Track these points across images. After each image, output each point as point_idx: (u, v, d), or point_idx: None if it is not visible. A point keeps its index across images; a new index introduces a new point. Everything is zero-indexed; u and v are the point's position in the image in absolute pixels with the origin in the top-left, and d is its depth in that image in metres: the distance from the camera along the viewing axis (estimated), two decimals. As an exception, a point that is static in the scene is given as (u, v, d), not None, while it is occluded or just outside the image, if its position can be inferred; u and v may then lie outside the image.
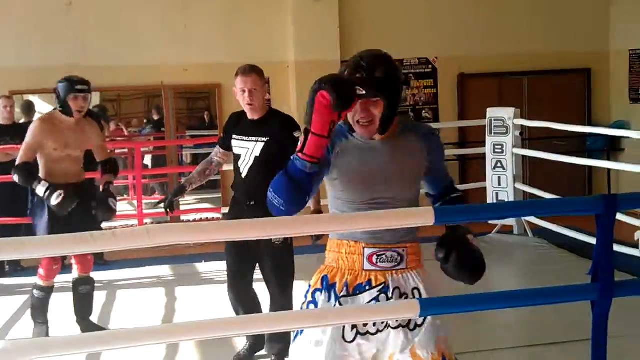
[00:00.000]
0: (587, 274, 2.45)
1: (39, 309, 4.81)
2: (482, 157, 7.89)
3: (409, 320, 2.38)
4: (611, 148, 9.45)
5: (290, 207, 2.25)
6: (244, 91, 4.05)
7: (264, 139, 4.06)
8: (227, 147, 4.26)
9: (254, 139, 4.09)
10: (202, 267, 6.87)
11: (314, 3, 8.67)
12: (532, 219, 7.29)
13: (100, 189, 4.91)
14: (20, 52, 8.41)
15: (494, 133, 7.65)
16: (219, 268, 6.60)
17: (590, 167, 9.05)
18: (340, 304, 2.38)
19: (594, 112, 9.75)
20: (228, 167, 4.62)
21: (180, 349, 4.58)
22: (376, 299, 2.38)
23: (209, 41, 8.76)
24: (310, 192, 2.28)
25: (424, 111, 9.38)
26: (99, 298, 5.48)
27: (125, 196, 9.79)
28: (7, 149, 6.64)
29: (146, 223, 7.63)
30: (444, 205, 2.55)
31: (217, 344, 4.39)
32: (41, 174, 4.70)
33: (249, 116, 4.15)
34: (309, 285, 2.48)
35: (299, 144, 2.21)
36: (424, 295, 2.41)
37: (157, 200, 4.48)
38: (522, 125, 7.68)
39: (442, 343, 2.42)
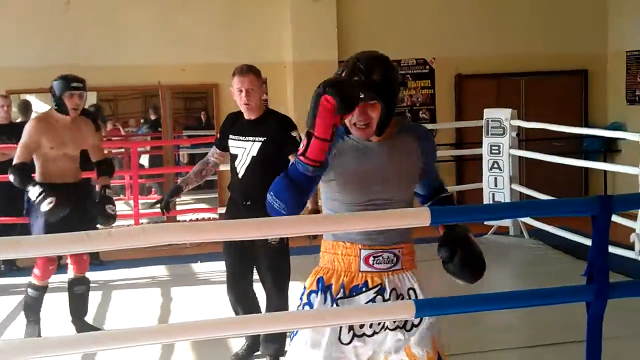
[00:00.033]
0: (582, 275, 2.45)
1: (32, 308, 4.81)
2: (479, 158, 7.90)
3: (406, 321, 2.38)
4: (608, 149, 9.47)
5: (291, 210, 2.24)
6: (241, 91, 4.06)
7: (261, 139, 4.06)
8: (224, 148, 4.26)
9: (251, 138, 4.09)
10: (198, 267, 6.86)
11: (312, 3, 8.67)
12: (529, 220, 7.30)
13: (98, 195, 4.89)
14: (17, 52, 8.40)
15: (491, 134, 7.66)
16: (215, 268, 6.61)
17: (586, 169, 9.06)
18: (337, 306, 2.38)
19: (590, 113, 9.77)
20: (224, 167, 4.62)
21: (176, 349, 4.57)
22: (372, 300, 2.38)
23: (206, 41, 8.76)
24: (310, 194, 2.28)
25: (421, 112, 9.39)
26: (94, 298, 5.48)
27: (122, 196, 9.78)
28: (4, 148, 6.64)
29: (142, 223, 7.62)
30: (435, 205, 2.57)
31: (213, 345, 4.39)
32: (38, 174, 4.70)
33: (246, 116, 4.15)
34: (304, 287, 2.47)
35: (301, 147, 2.20)
36: (420, 295, 2.42)
37: (154, 200, 4.48)
38: (519, 126, 7.69)
39: (436, 341, 2.43)
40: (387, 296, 2.38)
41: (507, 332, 4.76)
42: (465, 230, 2.44)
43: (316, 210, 3.93)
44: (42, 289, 4.80)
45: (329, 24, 8.76)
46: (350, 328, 2.37)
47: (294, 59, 8.72)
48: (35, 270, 4.75)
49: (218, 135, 4.39)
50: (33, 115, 7.27)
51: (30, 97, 8.30)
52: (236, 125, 4.19)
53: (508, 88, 9.44)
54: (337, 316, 2.33)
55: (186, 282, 6.36)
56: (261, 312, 4.22)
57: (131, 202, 7.97)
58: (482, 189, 7.81)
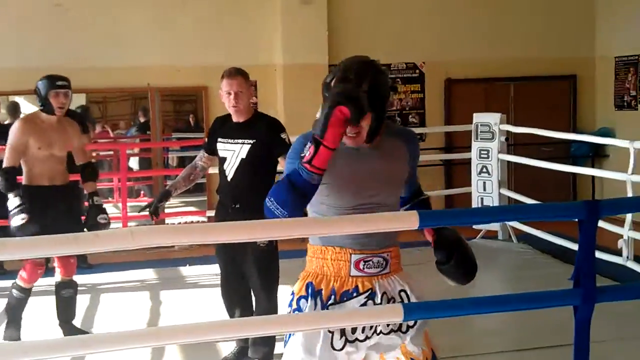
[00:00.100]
0: (569, 280, 2.47)
1: (15, 310, 4.78)
2: (468, 162, 7.92)
3: (400, 324, 2.39)
4: (596, 154, 9.51)
5: (292, 216, 2.25)
6: (229, 94, 4.06)
7: (251, 141, 4.07)
8: (212, 151, 4.26)
9: (240, 141, 4.09)
10: (187, 270, 6.84)
11: (303, 6, 8.67)
12: (517, 225, 7.32)
13: (89, 205, 4.88)
14: (5, 53, 8.35)
15: (480, 138, 7.68)
16: (203, 272, 6.60)
17: (575, 174, 9.10)
18: None
19: (579, 118, 9.81)
20: (213, 170, 4.61)
21: (165, 353, 4.55)
22: (364, 305, 2.38)
23: (196, 43, 8.74)
24: (309, 200, 2.29)
25: (410, 116, 9.40)
26: (82, 301, 5.45)
27: (110, 199, 9.75)
28: (-8, 149, 6.59)
29: (130, 226, 7.60)
30: (413, 208, 2.59)
31: (202, 348, 4.38)
32: (25, 176, 4.68)
33: (234, 119, 4.16)
34: (292, 293, 2.45)
35: (307, 155, 2.19)
36: (412, 296, 2.43)
37: (144, 204, 4.48)
38: (507, 131, 7.72)
39: (428, 337, 2.46)
40: (378, 300, 2.39)
41: (496, 336, 4.77)
42: (455, 232, 2.47)
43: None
44: (28, 291, 4.78)
45: (319, 27, 8.76)
46: (343, 334, 2.36)
47: (284, 61, 8.72)
48: (22, 273, 4.73)
49: (206, 139, 4.39)
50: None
51: (19, 99, 8.26)
52: (224, 128, 4.19)
53: (497, 93, 9.47)
54: (326, 320, 2.33)
55: (175, 286, 6.34)
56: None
57: (120, 204, 7.95)
58: (470, 193, 7.82)
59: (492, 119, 7.61)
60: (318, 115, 2.24)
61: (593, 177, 8.93)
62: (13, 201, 4.49)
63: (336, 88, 2.23)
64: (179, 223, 8.19)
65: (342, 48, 8.66)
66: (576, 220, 2.38)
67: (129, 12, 8.63)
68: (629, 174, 5.78)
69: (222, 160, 4.17)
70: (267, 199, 2.25)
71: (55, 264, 4.89)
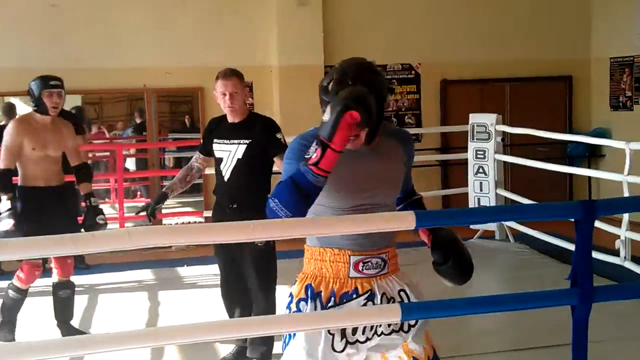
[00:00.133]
0: (566, 279, 2.47)
1: (10, 310, 4.77)
2: (464, 162, 7.93)
3: (402, 323, 2.39)
4: (592, 154, 9.53)
5: (296, 217, 2.25)
6: (224, 94, 4.08)
7: (247, 141, 4.08)
8: (208, 153, 4.28)
9: (235, 141, 4.10)
10: (184, 271, 6.84)
11: (298, 8, 8.67)
12: (514, 225, 7.34)
13: (85, 205, 4.88)
14: (0, 54, 8.34)
15: (476, 139, 7.69)
16: (201, 272, 6.60)
17: (571, 174, 9.11)
18: None
19: (575, 118, 9.83)
20: (210, 171, 4.62)
21: (164, 353, 4.55)
22: (364, 306, 2.38)
23: (191, 45, 8.74)
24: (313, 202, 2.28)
25: (406, 117, 9.41)
26: (80, 302, 5.45)
27: (107, 199, 9.73)
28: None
29: (127, 227, 7.59)
30: (407, 208, 2.61)
31: (201, 348, 4.38)
32: (21, 177, 4.67)
33: (230, 119, 4.17)
34: (291, 295, 2.45)
35: (314, 157, 2.18)
36: (411, 296, 2.44)
37: (141, 204, 4.49)
38: (504, 132, 7.73)
39: (429, 336, 2.47)
40: (377, 301, 2.39)
41: (493, 336, 4.78)
42: (451, 232, 2.48)
43: None
44: (24, 293, 4.78)
45: (315, 28, 8.77)
46: (343, 336, 2.36)
47: (280, 63, 8.72)
48: (20, 274, 4.72)
49: (201, 140, 4.40)
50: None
51: (14, 100, 8.25)
52: (220, 129, 4.21)
53: (493, 93, 9.48)
54: (325, 320, 2.33)
55: (172, 286, 6.34)
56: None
57: (116, 205, 7.94)
58: (467, 193, 7.84)
59: (488, 119, 7.62)
60: (325, 117, 2.22)
61: (590, 177, 8.94)
62: (4, 204, 4.49)
63: (345, 92, 2.21)
64: (176, 224, 8.19)
65: (337, 49, 8.67)
66: (573, 220, 2.39)
67: (125, 14, 8.63)
68: (624, 174, 5.79)
69: (219, 160, 4.18)
70: (270, 199, 2.24)
71: (53, 265, 4.89)
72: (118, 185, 7.96)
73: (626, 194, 5.75)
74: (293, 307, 2.41)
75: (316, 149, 2.18)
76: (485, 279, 5.97)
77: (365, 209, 2.37)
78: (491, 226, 7.60)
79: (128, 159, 10.29)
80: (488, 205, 7.50)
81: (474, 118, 7.75)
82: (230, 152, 4.11)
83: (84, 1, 8.58)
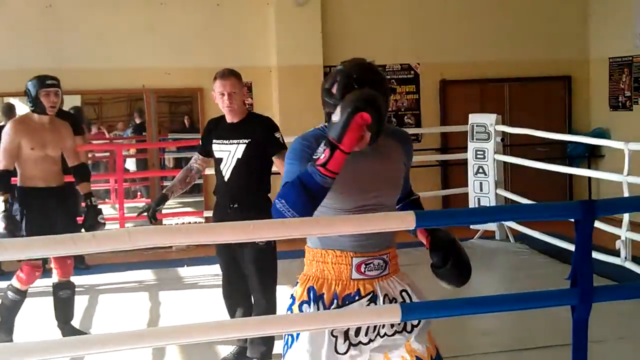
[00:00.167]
0: (566, 279, 2.47)
1: (9, 311, 4.77)
2: (464, 162, 7.93)
3: (405, 323, 2.39)
4: (592, 154, 9.53)
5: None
6: (223, 94, 4.10)
7: (246, 141, 4.09)
8: (207, 153, 4.28)
9: (235, 141, 4.11)
10: (185, 271, 6.84)
11: (297, 8, 8.67)
12: (514, 225, 7.34)
13: (85, 205, 4.88)
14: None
15: (476, 139, 7.69)
16: (201, 272, 6.61)
17: (571, 174, 9.11)
18: None
19: (574, 118, 9.83)
20: (210, 171, 4.62)
21: (164, 353, 4.55)
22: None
23: (191, 45, 8.74)
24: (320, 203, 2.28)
25: (406, 117, 9.41)
26: (80, 302, 5.45)
27: (107, 200, 9.74)
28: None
29: (128, 227, 7.59)
30: (405, 208, 2.61)
31: (201, 349, 4.38)
32: (20, 178, 4.67)
33: (229, 119, 4.18)
34: (292, 297, 2.44)
35: (322, 158, 2.17)
36: (413, 296, 2.44)
37: (141, 205, 4.50)
38: (503, 132, 7.73)
39: (432, 336, 2.47)
40: (380, 302, 2.39)
41: (493, 336, 4.78)
42: (449, 233, 2.49)
43: None
44: (23, 294, 4.77)
45: (313, 29, 8.77)
46: (346, 338, 2.36)
47: (279, 63, 8.72)
48: (20, 274, 4.71)
49: (200, 141, 4.40)
50: (16, 118, 7.23)
51: (14, 100, 8.25)
52: (219, 129, 4.22)
53: (492, 93, 9.48)
54: (325, 320, 2.32)
55: (173, 286, 6.35)
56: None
57: (117, 205, 7.94)
58: (467, 193, 7.84)
59: (487, 119, 7.62)
60: (335, 119, 2.21)
61: (589, 177, 8.94)
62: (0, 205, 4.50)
63: (355, 93, 2.20)
64: (177, 224, 8.18)
65: (336, 50, 8.67)
66: (572, 220, 2.39)
67: (123, 14, 8.62)
68: (624, 175, 5.80)
69: (218, 161, 4.19)
70: (276, 200, 2.24)
71: (52, 265, 4.89)
72: (118, 185, 7.96)
73: (626, 194, 5.75)
74: (295, 309, 2.41)
75: (324, 150, 2.18)
76: (485, 279, 5.98)
77: (368, 210, 2.36)
78: (491, 226, 7.60)
79: (128, 160, 10.30)
80: (488, 205, 7.50)
81: (474, 118, 7.75)
82: (229, 152, 4.12)
83: (83, 1, 8.57)
